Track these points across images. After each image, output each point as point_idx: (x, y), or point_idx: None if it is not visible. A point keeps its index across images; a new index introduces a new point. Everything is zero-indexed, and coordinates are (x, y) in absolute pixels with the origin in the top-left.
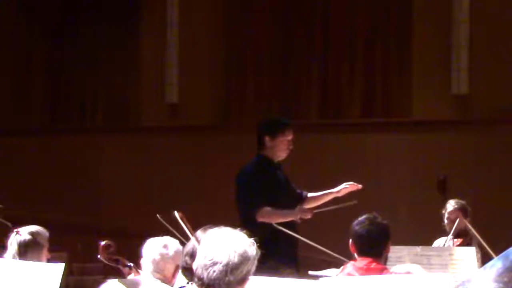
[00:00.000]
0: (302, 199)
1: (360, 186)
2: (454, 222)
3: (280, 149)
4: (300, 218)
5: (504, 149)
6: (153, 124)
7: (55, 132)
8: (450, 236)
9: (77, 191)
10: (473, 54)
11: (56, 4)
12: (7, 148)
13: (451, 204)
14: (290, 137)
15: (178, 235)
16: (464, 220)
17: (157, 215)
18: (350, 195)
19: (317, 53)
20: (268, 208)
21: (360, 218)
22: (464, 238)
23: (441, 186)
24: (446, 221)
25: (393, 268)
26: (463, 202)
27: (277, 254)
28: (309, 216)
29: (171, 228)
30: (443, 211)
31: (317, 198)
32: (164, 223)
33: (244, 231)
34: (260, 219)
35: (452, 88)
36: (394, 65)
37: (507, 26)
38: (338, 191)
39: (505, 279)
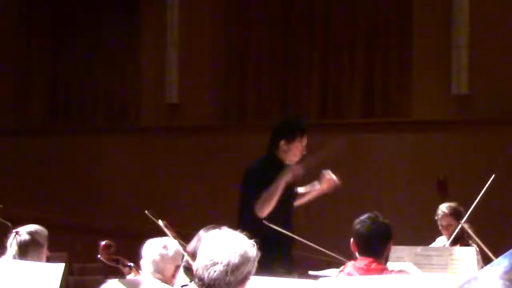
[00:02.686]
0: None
1: (337, 180)
2: (446, 228)
3: (294, 153)
4: (295, 177)
5: (504, 149)
6: (153, 124)
7: (55, 132)
8: (448, 243)
9: (77, 191)
10: (473, 54)
11: (56, 4)
12: (7, 148)
13: (441, 210)
14: (305, 143)
15: (169, 234)
16: (465, 225)
17: (146, 211)
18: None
19: (317, 53)
20: (259, 200)
21: (362, 218)
22: (461, 242)
23: (441, 186)
24: (440, 227)
25: (387, 265)
26: (454, 205)
27: (272, 253)
28: (301, 171)
29: (161, 224)
30: (436, 217)
31: (304, 195)
32: (153, 219)
33: (242, 229)
34: (261, 213)
35: (452, 88)
36: (394, 65)
37: (507, 26)
38: (321, 185)
39: None
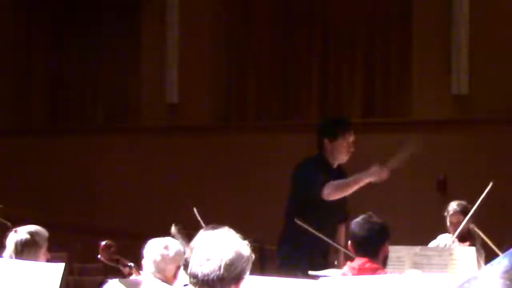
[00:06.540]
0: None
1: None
2: (456, 225)
3: (340, 152)
4: (379, 180)
5: (504, 149)
6: (153, 124)
7: (55, 132)
8: (454, 238)
9: (77, 191)
10: (473, 55)
11: (56, 4)
12: (7, 148)
13: (452, 207)
14: (351, 139)
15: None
16: (472, 225)
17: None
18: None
19: (317, 53)
20: (333, 182)
21: (357, 219)
22: (470, 240)
23: (441, 186)
24: (448, 223)
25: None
26: (464, 203)
27: (308, 256)
28: (385, 176)
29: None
30: (445, 213)
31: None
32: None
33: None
34: (327, 196)
35: (452, 88)
36: (394, 65)
37: (507, 27)
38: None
39: None
